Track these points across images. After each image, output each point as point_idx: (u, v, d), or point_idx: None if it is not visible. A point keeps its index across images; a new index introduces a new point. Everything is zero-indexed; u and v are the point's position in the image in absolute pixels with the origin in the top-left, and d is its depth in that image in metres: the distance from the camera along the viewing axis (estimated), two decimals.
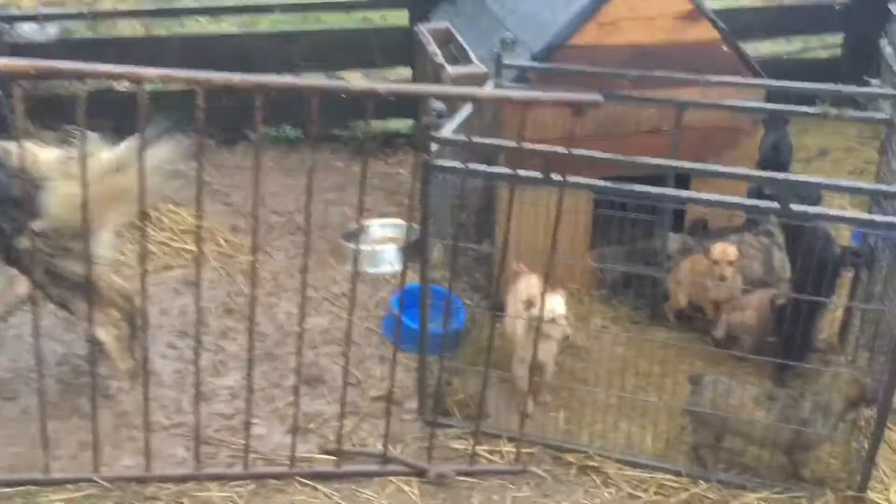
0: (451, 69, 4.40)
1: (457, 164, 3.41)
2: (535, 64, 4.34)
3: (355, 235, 5.53)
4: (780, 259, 4.47)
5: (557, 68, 4.30)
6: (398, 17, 7.17)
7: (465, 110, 3.80)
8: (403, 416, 3.97)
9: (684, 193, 3.22)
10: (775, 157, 6.20)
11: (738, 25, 7.35)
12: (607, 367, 4.25)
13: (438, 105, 3.23)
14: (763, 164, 6.23)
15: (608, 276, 4.96)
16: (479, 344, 4.49)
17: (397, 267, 5.13)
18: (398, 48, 6.65)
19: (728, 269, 4.15)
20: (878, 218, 3.05)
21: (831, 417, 3.42)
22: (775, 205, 3.03)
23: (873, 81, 7.23)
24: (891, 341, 3.20)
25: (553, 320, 3.76)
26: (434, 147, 3.39)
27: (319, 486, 3.50)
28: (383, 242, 5.45)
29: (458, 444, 3.78)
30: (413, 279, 4.79)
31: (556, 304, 3.80)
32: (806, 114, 4.10)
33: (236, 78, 2.99)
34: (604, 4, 4.36)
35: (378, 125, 6.81)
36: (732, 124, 4.70)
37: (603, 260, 4.97)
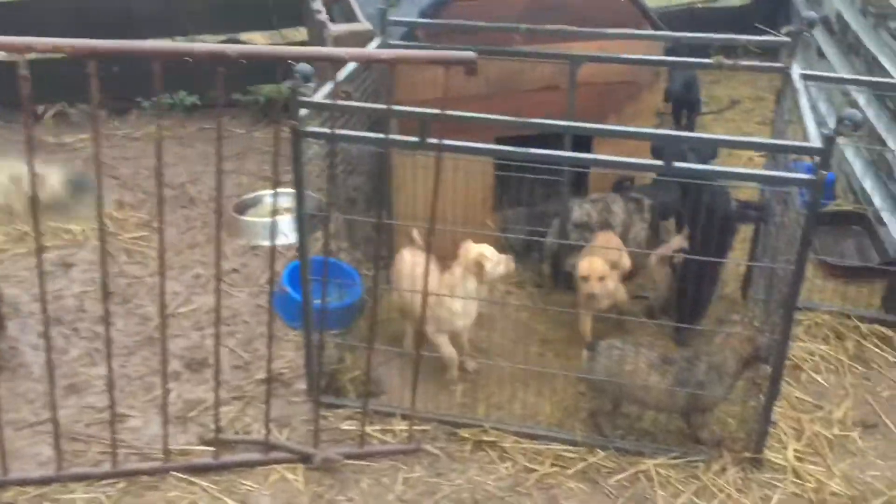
0: (332, 27, 4.13)
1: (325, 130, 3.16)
2: (422, 20, 4.09)
3: (248, 207, 5.31)
4: (637, 231, 4.33)
5: (444, 24, 4.06)
6: None
7: (346, 71, 3.55)
8: (292, 398, 3.76)
9: (565, 154, 3.03)
10: (686, 93, 6.16)
11: None
12: (510, 335, 4.12)
13: (303, 67, 2.97)
14: (675, 102, 6.19)
15: (512, 240, 4.80)
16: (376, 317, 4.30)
17: (294, 239, 4.88)
18: (294, 7, 6.33)
19: (597, 285, 3.78)
20: (760, 172, 2.92)
21: (726, 378, 3.33)
22: (659, 163, 2.87)
23: (789, 29, 7.18)
24: (781, 298, 3.10)
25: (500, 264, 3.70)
26: (303, 112, 3.14)
27: (196, 480, 3.29)
28: (279, 213, 5.18)
29: (349, 426, 3.60)
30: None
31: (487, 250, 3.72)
32: (699, 64, 3.93)
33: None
34: None
35: (273, 89, 6.51)
36: (632, 78, 4.53)
37: (506, 223, 4.81)
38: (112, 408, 3.22)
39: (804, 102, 3.23)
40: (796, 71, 3.60)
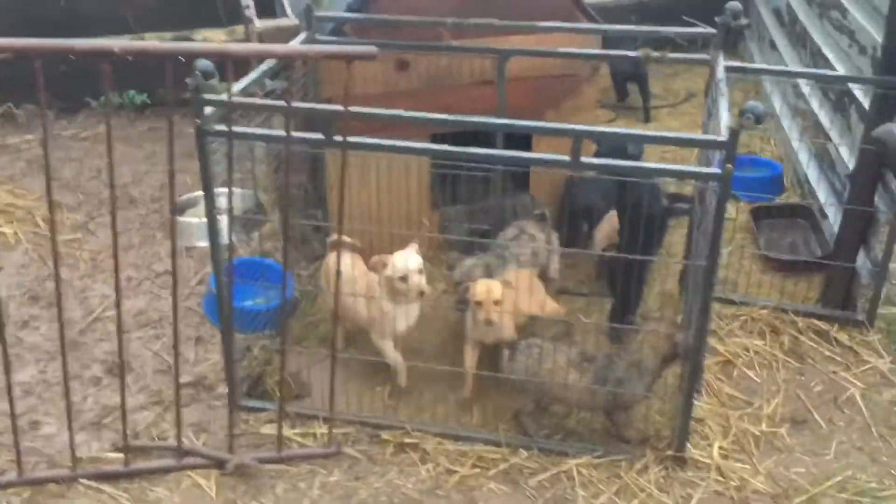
0: (257, 23, 4.05)
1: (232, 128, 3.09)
2: (347, 14, 4.02)
3: (188, 207, 5.22)
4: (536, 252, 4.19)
5: (369, 18, 3.98)
6: None
7: (260, 69, 3.47)
8: (213, 402, 3.69)
9: (471, 150, 2.93)
10: (636, 71, 6.15)
11: None
12: (441, 334, 4.06)
13: (204, 64, 2.90)
14: (619, 76, 6.20)
15: (452, 238, 4.73)
16: (308, 318, 4.24)
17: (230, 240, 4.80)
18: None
19: (494, 310, 3.47)
20: (669, 167, 2.85)
21: (646, 375, 3.27)
22: (565, 158, 2.80)
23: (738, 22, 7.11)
24: (696, 294, 3.04)
25: (405, 278, 3.50)
26: (209, 110, 3.06)
27: (105, 488, 3.21)
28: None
29: (270, 430, 3.52)
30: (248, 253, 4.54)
31: (410, 259, 3.55)
32: (626, 56, 3.88)
33: None
34: None
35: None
36: (569, 72, 4.47)
37: (446, 220, 4.75)
38: (12, 416, 3.14)
39: (721, 95, 3.17)
40: (720, 63, 3.54)
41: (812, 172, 4.94)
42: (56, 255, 3.12)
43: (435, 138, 4.26)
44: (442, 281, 4.52)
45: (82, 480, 3.22)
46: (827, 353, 3.99)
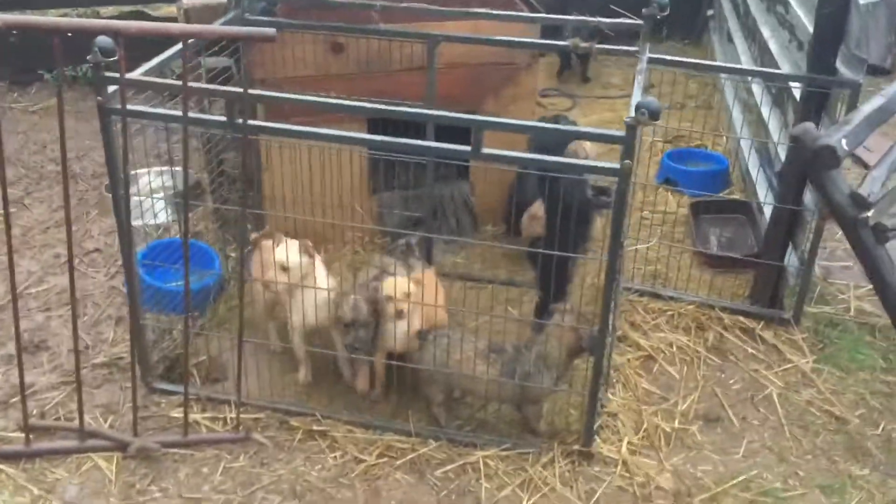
0: (185, 0, 3.99)
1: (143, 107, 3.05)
2: None
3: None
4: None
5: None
6: None
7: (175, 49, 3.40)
8: (126, 383, 3.64)
9: (374, 137, 2.88)
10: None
11: None
12: None
13: (103, 41, 2.84)
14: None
15: (389, 224, 4.69)
16: (234, 301, 4.19)
17: (163, 219, 4.74)
18: None
19: (404, 305, 3.33)
20: (572, 161, 2.81)
21: (553, 369, 3.25)
22: (466, 148, 2.77)
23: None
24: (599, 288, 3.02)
25: (283, 268, 3.46)
26: (112, 88, 3.01)
27: (4, 467, 3.19)
28: (157, 192, 5.04)
29: (179, 413, 3.48)
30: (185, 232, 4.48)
31: (289, 251, 3.49)
32: (555, 47, 3.83)
33: None
34: None
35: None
36: (507, 60, 4.41)
37: (382, 206, 4.71)
38: None
39: (636, 88, 3.13)
40: (644, 55, 3.50)
41: (753, 168, 4.91)
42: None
43: (373, 123, 4.22)
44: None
45: None
46: (750, 350, 3.99)
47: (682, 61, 3.81)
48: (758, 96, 4.88)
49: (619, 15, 3.68)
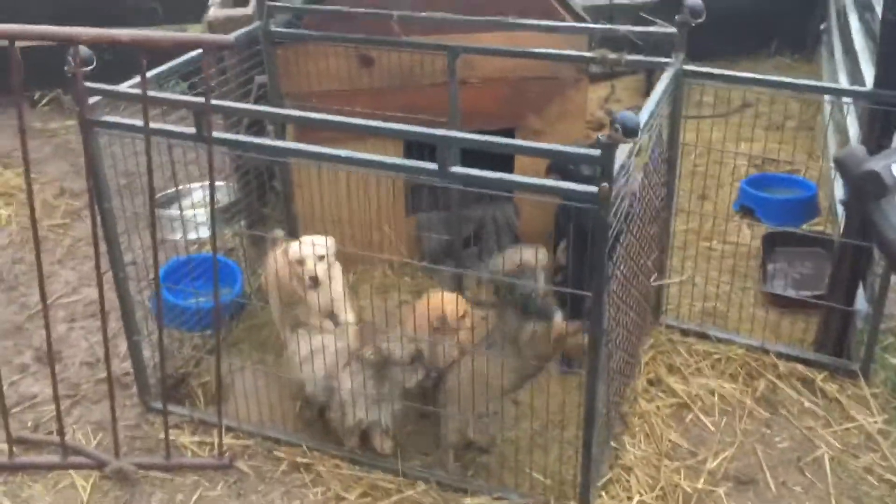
0: (211, 12, 3.93)
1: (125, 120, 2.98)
2: (298, 6, 3.84)
3: (176, 199, 5.19)
4: None
5: (318, 9, 3.77)
6: None
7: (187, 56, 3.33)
8: (125, 401, 3.59)
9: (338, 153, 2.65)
10: None
11: None
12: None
13: (83, 50, 2.78)
14: None
15: (426, 245, 4.46)
16: (252, 321, 4.08)
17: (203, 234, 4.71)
18: None
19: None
20: (543, 182, 2.48)
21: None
22: (433, 165, 2.51)
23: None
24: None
25: (301, 261, 3.27)
26: (94, 99, 2.96)
27: None
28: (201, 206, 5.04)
29: (171, 435, 3.38)
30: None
31: (314, 243, 3.28)
32: (583, 58, 3.50)
33: None
34: None
35: None
36: (550, 74, 4.10)
37: (420, 228, 4.48)
38: None
39: (652, 100, 2.77)
40: (674, 66, 3.12)
41: (840, 196, 4.36)
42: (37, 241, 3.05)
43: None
44: (404, 288, 4.25)
45: None
46: (807, 404, 3.48)
47: (723, 74, 3.38)
48: (850, 116, 4.33)
49: (650, 23, 3.30)
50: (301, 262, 3.28)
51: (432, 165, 2.52)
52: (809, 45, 6.97)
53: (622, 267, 2.68)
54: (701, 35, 7.21)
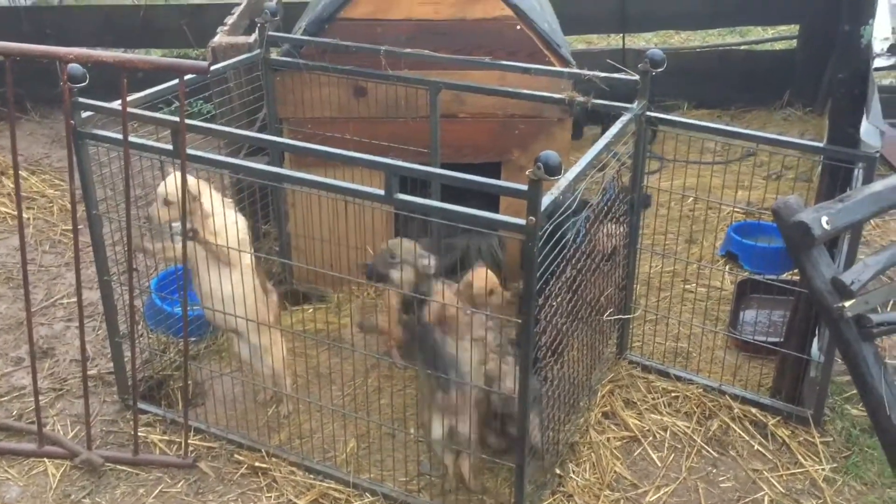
0: (216, 38, 4.19)
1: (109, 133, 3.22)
2: (292, 36, 4.07)
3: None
4: None
5: (310, 41, 4.00)
6: None
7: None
8: (107, 398, 3.81)
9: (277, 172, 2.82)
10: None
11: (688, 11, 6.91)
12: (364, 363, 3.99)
13: (73, 68, 3.04)
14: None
15: None
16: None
17: None
18: None
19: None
20: (481, 214, 2.62)
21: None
22: (379, 192, 2.69)
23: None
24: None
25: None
26: (86, 113, 3.21)
27: None
28: None
29: (142, 432, 3.58)
30: None
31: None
32: (553, 100, 3.67)
33: None
34: None
35: None
36: (536, 113, 4.28)
37: None
38: None
39: (600, 142, 2.92)
40: (634, 112, 3.27)
41: None
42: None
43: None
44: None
45: None
46: (756, 447, 3.55)
47: (683, 122, 3.52)
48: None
49: (616, 70, 3.46)
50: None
51: (379, 191, 2.70)
52: (821, 98, 7.04)
53: (559, 298, 2.81)
54: (717, 84, 7.37)
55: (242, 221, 3.46)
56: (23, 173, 5.73)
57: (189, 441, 3.50)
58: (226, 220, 3.31)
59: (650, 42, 8.32)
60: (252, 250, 3.53)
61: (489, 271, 3.45)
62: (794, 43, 7.15)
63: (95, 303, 4.49)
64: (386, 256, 3.41)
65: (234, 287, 3.37)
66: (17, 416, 3.67)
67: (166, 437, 3.57)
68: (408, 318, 3.53)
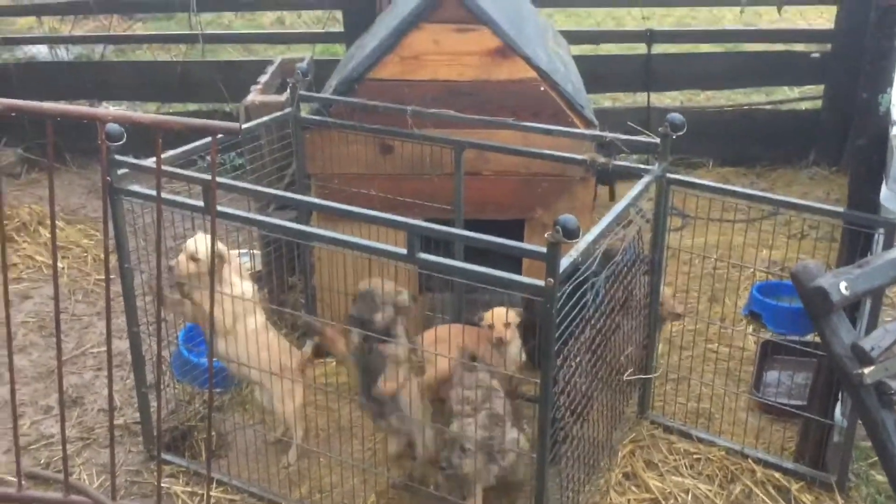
0: (249, 97, 4.33)
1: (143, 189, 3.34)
2: (321, 95, 4.20)
3: None
4: None
5: (337, 99, 4.12)
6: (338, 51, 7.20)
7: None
8: (133, 448, 3.87)
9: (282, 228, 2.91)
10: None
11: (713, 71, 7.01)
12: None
13: (112, 127, 3.16)
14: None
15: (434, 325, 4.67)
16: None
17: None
18: None
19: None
20: (497, 274, 2.66)
21: None
22: (402, 251, 2.76)
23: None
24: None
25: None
26: (122, 170, 3.33)
27: None
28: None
29: (166, 483, 3.63)
30: None
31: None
32: (573, 160, 3.74)
33: None
34: (404, 37, 4.16)
35: None
36: (559, 171, 4.34)
37: (430, 308, 4.70)
38: None
39: (621, 203, 2.97)
40: (654, 173, 3.32)
41: None
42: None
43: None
44: None
45: None
46: None
47: (703, 184, 3.56)
48: None
49: (637, 132, 3.53)
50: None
51: (402, 251, 2.77)
52: (846, 159, 7.06)
53: (578, 358, 2.84)
54: (743, 142, 7.42)
55: (249, 287, 3.67)
56: (59, 223, 5.90)
57: (211, 493, 3.54)
58: (232, 290, 3.49)
59: (675, 100, 8.40)
60: (259, 306, 3.74)
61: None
62: (819, 103, 7.18)
63: (124, 352, 4.58)
64: (368, 302, 3.43)
65: (248, 341, 3.47)
66: (44, 465, 3.74)
67: (189, 489, 3.61)
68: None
